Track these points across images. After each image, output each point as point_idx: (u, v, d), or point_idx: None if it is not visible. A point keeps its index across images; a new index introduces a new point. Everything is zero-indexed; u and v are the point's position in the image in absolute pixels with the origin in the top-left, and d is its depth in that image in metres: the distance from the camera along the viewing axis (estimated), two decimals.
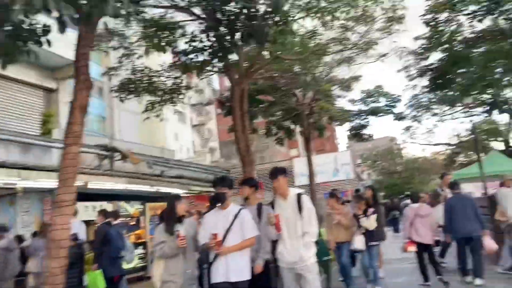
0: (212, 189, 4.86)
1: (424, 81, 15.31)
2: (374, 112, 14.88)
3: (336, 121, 14.39)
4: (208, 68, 7.42)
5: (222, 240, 4.14)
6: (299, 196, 4.51)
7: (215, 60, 5.68)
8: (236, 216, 4.25)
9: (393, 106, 14.97)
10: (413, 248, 7.34)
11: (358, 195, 7.64)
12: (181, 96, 9.98)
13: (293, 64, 11.62)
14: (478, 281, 6.87)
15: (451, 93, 15.51)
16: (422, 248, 7.29)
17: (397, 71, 18.76)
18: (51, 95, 16.54)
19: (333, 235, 7.25)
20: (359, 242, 6.92)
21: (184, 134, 48.02)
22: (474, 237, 7.02)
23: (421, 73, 8.60)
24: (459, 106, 18.04)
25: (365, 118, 15.64)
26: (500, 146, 20.62)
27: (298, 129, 16.32)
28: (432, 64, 8.67)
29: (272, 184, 4.52)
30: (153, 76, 8.99)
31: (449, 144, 24.31)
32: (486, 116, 21.06)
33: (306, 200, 4.52)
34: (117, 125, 33.20)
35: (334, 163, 42.81)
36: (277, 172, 4.54)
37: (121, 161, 10.60)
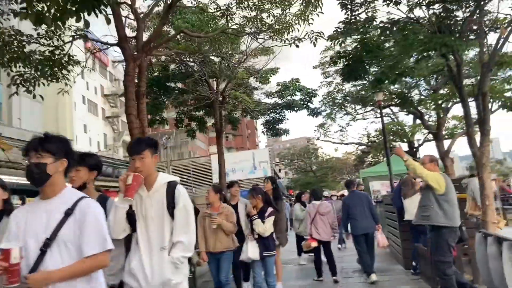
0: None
1: (337, 76, 15.11)
2: (290, 105, 14.19)
3: (251, 113, 13.49)
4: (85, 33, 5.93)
5: (37, 261, 2.08)
6: (171, 186, 2.86)
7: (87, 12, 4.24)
8: (70, 213, 2.16)
9: (309, 101, 14.46)
10: (315, 244, 7.30)
11: (254, 188, 5.67)
12: (65, 72, 8.30)
13: (202, 44, 10.47)
14: (373, 277, 6.84)
15: (362, 88, 15.49)
16: (321, 246, 7.37)
17: (313, 67, 18.57)
18: None
19: (207, 243, 5.37)
20: (252, 250, 5.21)
21: (95, 126, 44.48)
22: (371, 233, 7.24)
23: (335, 60, 8.02)
24: (370, 105, 18.27)
25: (280, 112, 14.99)
26: (405, 146, 21.49)
27: (211, 121, 15.22)
28: (346, 51, 8.12)
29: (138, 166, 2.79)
30: (24, 41, 7.22)
31: (359, 144, 24.84)
32: (392, 118, 21.81)
33: (182, 193, 2.87)
34: (16, 112, 29.42)
35: (252, 160, 42.67)
36: (143, 144, 2.88)
37: None
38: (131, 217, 2.77)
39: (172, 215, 2.78)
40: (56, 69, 7.73)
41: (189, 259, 2.68)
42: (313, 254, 7.74)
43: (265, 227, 5.22)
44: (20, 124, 27.10)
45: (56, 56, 7.74)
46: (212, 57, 13.14)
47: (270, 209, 5.37)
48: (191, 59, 12.70)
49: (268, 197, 5.74)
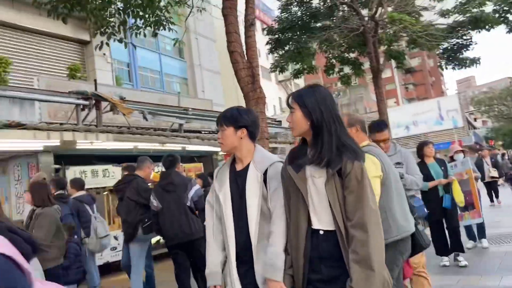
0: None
1: None
2: (477, 21, 9.75)
3: (419, 39, 9.72)
4: None
5: None
6: None
7: None
8: None
9: (508, 11, 9.72)
10: None
11: None
12: (166, 14, 6.79)
13: None
14: None
15: None
16: None
17: None
18: (84, 48, 14.76)
19: None
20: None
21: (269, 91, 45.22)
22: None
23: None
24: None
25: (464, 34, 10.65)
26: None
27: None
28: None
29: None
30: None
31: None
32: None
33: None
34: (200, 85, 31.71)
35: (438, 110, 36.52)
36: None
37: (111, 112, 8.00)
38: None
39: None
40: (149, 10, 6.21)
41: None
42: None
43: None
44: (205, 96, 29.04)
45: None
46: None
47: None
48: None
49: None
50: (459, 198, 5.31)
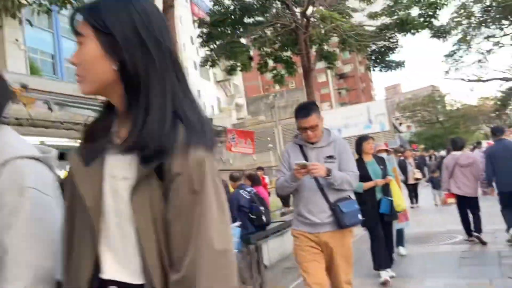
0: None
1: None
2: (403, 23, 9.91)
3: (349, 38, 9.67)
4: None
5: None
6: None
7: None
8: None
9: (432, 16, 9.99)
10: (452, 200, 6.29)
11: None
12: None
13: None
14: None
15: None
16: (464, 202, 6.09)
17: None
18: None
19: None
20: None
21: (208, 90, 44.41)
22: None
23: None
24: None
25: (390, 37, 10.83)
26: None
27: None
28: None
29: None
30: None
31: (506, 79, 18.29)
32: None
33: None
34: None
35: (367, 114, 37.95)
36: None
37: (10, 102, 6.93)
38: None
39: None
40: None
41: None
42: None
43: None
44: None
45: None
46: None
47: None
48: None
49: None
50: (398, 201, 4.61)
